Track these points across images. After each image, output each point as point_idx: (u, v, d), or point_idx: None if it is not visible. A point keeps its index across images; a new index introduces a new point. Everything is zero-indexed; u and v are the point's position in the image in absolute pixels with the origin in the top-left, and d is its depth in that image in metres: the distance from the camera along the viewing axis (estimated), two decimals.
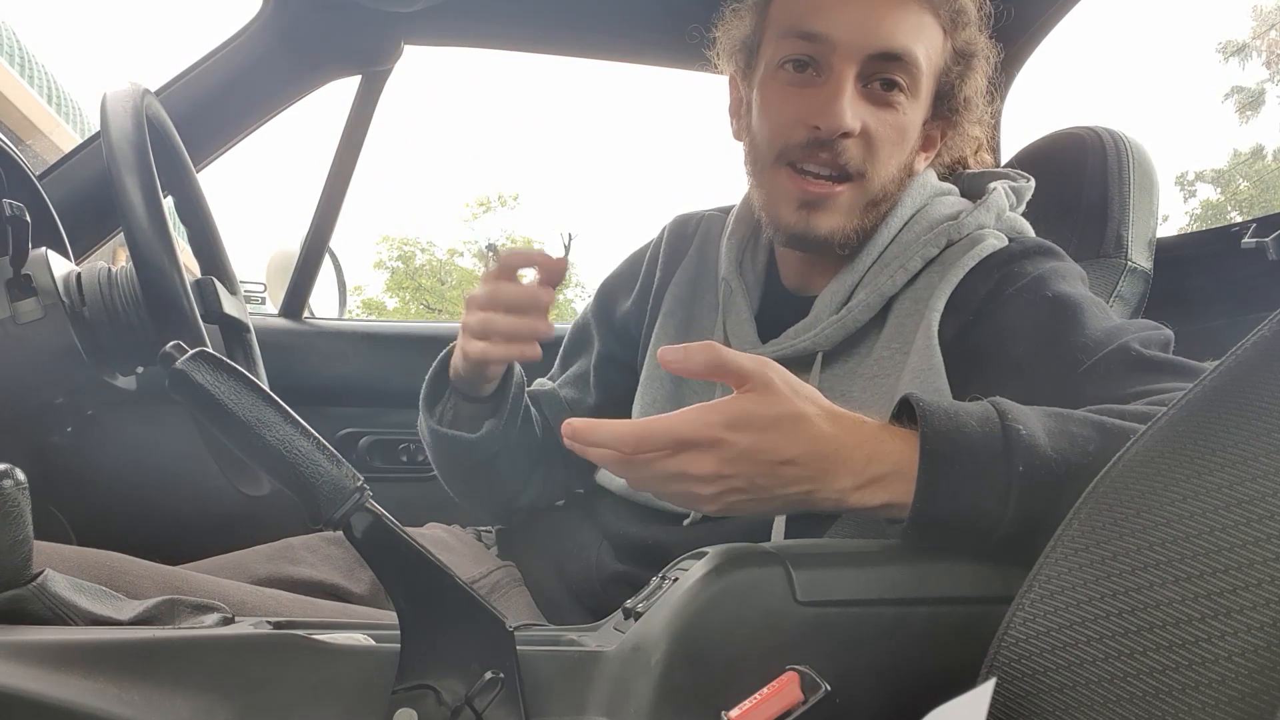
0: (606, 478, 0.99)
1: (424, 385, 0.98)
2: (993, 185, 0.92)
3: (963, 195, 0.94)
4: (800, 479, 0.61)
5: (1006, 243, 0.86)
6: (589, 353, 1.09)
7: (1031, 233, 0.92)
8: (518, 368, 0.97)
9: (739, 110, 0.96)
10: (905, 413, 0.64)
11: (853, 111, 0.82)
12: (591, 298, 1.15)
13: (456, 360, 0.92)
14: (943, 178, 0.96)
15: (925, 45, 0.85)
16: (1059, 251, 0.87)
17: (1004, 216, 0.91)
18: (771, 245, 0.99)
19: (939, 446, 0.59)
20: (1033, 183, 0.96)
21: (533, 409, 1.03)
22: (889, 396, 0.83)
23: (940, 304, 0.83)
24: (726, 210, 1.05)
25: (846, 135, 0.83)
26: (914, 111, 0.87)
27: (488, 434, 0.94)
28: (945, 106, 0.91)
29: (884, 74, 0.84)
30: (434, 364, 0.98)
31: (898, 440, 0.63)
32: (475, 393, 0.95)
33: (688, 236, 1.06)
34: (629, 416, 0.95)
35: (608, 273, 1.15)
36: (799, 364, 0.89)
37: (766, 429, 0.59)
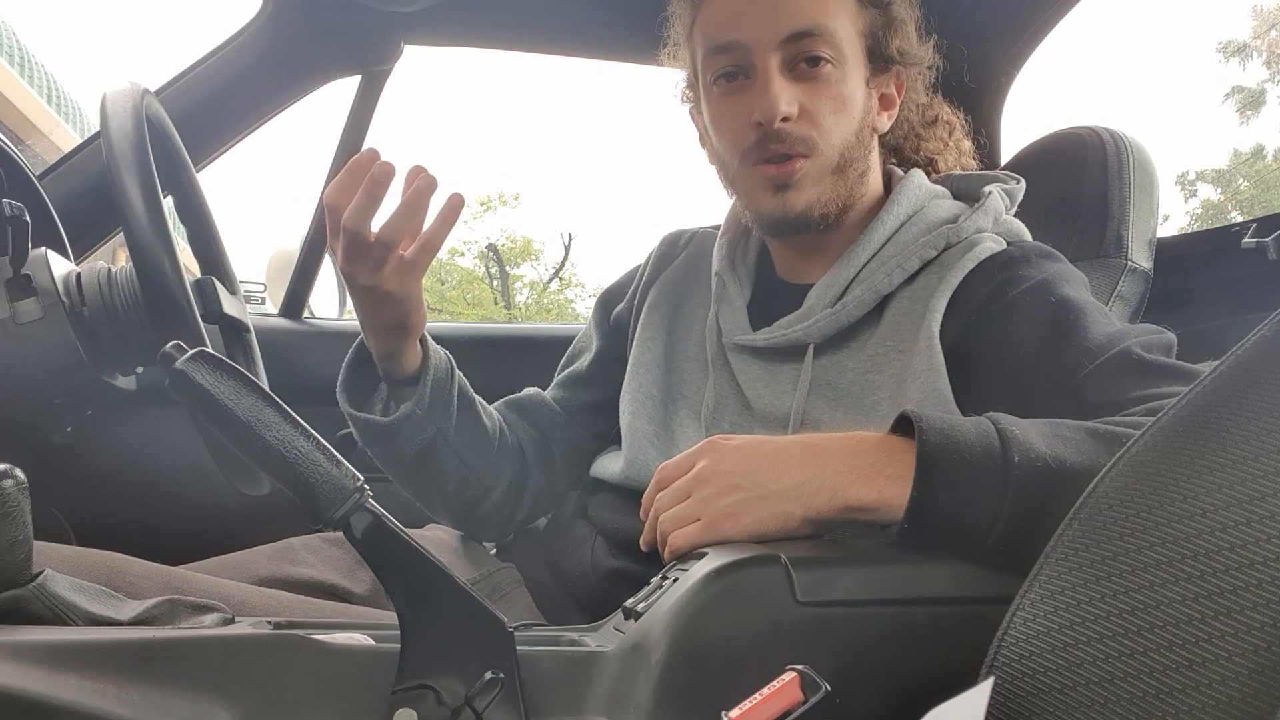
0: (600, 469, 1.00)
1: (343, 369, 0.92)
2: (988, 189, 0.94)
3: (955, 198, 0.96)
4: (791, 468, 0.65)
5: (1005, 246, 0.88)
6: (587, 355, 1.10)
7: (1028, 236, 0.93)
8: (440, 354, 0.92)
9: (705, 139, 0.99)
10: (899, 431, 0.66)
11: (785, 97, 0.86)
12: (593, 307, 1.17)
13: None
14: (935, 180, 0.98)
15: (834, 11, 0.88)
16: (1059, 255, 0.88)
17: (1001, 220, 0.92)
18: (763, 241, 1.02)
19: (935, 443, 0.61)
20: (1023, 184, 0.98)
21: (496, 411, 1.02)
22: (880, 393, 0.84)
23: (941, 305, 0.83)
24: (718, 228, 1.08)
25: (786, 120, 0.86)
26: (848, 77, 0.89)
27: (402, 419, 0.88)
28: (882, 60, 0.93)
29: (805, 52, 0.87)
30: (353, 347, 0.93)
31: (890, 440, 0.66)
32: (397, 370, 0.89)
33: (679, 247, 1.11)
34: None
35: (607, 274, 1.17)
36: (791, 354, 0.90)
37: (750, 438, 0.70)
